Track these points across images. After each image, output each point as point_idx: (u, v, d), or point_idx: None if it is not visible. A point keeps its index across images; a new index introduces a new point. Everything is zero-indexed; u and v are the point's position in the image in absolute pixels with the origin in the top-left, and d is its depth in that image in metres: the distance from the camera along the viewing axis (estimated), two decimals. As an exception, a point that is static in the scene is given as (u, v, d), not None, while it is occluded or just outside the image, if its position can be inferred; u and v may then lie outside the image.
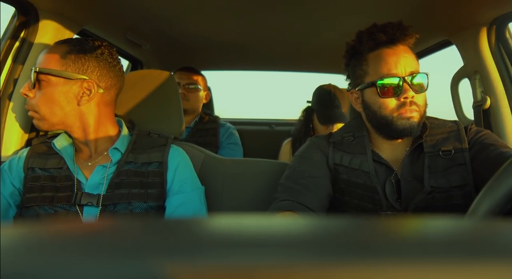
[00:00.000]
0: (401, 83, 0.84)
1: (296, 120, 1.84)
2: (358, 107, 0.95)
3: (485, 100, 1.30)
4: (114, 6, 1.27)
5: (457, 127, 0.91)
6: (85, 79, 0.87)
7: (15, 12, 1.15)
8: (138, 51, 1.87)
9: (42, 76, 0.85)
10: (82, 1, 1.18)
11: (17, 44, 1.15)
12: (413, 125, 0.85)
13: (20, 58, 1.15)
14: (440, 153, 0.88)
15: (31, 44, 1.16)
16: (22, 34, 1.16)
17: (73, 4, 1.18)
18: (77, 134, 0.90)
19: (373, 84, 0.86)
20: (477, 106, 1.35)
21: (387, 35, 0.86)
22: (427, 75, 0.88)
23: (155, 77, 1.13)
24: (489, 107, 1.30)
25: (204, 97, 1.81)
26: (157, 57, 2.05)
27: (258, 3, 1.24)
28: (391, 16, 0.96)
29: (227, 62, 2.19)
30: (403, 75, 0.85)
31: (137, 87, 1.09)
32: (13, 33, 1.15)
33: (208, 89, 1.91)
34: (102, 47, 0.91)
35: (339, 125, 1.61)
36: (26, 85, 0.87)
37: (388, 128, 0.87)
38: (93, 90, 0.88)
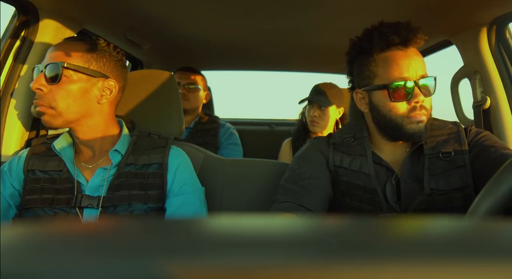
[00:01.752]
0: (413, 87, 0.83)
1: (296, 120, 1.86)
2: (364, 108, 0.93)
3: (485, 100, 1.30)
4: (114, 6, 1.27)
5: (457, 129, 0.91)
6: (107, 77, 0.89)
7: (15, 11, 1.15)
8: (138, 51, 1.87)
9: (64, 71, 0.84)
10: (82, 1, 1.18)
11: (17, 43, 1.15)
12: (422, 129, 0.85)
13: (21, 58, 1.15)
14: (440, 155, 0.87)
15: (31, 44, 1.16)
16: (22, 34, 1.16)
17: (73, 4, 1.18)
18: (85, 134, 0.89)
19: (384, 87, 0.84)
20: (477, 106, 1.35)
21: (400, 36, 0.84)
22: (435, 78, 0.87)
23: (155, 77, 1.13)
24: (489, 107, 1.30)
25: (204, 97, 1.82)
26: (157, 57, 2.05)
27: (258, 4, 1.24)
28: (391, 16, 0.96)
29: (227, 62, 2.19)
30: (415, 79, 0.83)
31: (137, 87, 1.09)
32: (13, 33, 1.15)
33: (208, 89, 1.91)
34: (118, 49, 0.93)
35: (321, 113, 1.65)
36: (38, 79, 0.84)
37: (398, 131, 0.86)
38: (113, 90, 0.90)
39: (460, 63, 1.41)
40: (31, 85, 0.85)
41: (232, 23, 1.47)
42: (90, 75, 0.86)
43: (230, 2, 1.24)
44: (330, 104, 1.64)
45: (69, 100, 0.84)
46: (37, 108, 0.86)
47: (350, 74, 0.97)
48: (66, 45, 0.89)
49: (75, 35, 1.30)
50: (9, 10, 1.16)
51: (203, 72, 1.86)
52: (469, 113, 1.41)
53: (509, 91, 1.27)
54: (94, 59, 0.87)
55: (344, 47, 0.97)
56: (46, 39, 1.17)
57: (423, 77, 0.84)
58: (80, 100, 0.86)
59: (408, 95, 0.83)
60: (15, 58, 1.14)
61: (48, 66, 0.84)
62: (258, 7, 1.28)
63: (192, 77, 1.77)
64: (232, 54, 1.98)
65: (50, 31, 1.18)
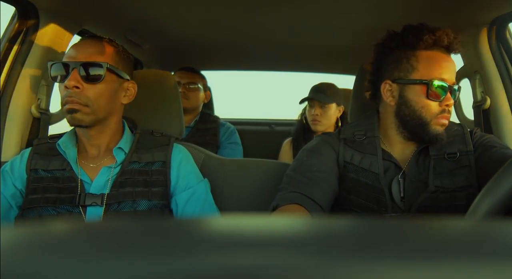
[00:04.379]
0: (447, 90, 0.86)
1: (296, 120, 1.86)
2: (390, 100, 0.92)
3: (485, 100, 1.30)
4: (113, 6, 1.27)
5: (462, 131, 0.92)
6: (130, 79, 0.94)
7: (15, 12, 1.15)
8: (138, 51, 1.87)
9: (100, 71, 0.86)
10: (82, 1, 1.18)
11: (17, 44, 1.15)
12: (443, 132, 0.87)
13: (20, 58, 1.15)
14: (446, 155, 0.89)
15: (31, 44, 1.16)
16: (22, 34, 1.16)
17: (73, 4, 1.18)
18: (103, 133, 0.91)
19: (424, 83, 0.86)
20: (477, 106, 1.35)
21: (449, 40, 0.87)
22: (460, 88, 0.92)
23: (155, 77, 1.14)
24: (489, 107, 1.30)
25: (205, 97, 1.82)
26: (157, 57, 2.05)
27: (258, 3, 1.24)
28: (391, 16, 0.96)
29: (227, 62, 2.19)
30: (451, 83, 0.87)
31: (137, 87, 1.09)
32: (13, 33, 1.15)
33: (208, 90, 1.91)
34: (128, 52, 0.96)
35: (322, 111, 1.65)
36: (75, 77, 0.83)
37: (422, 129, 0.87)
38: (133, 91, 0.95)
39: (460, 63, 1.41)
40: (67, 82, 0.83)
41: (232, 23, 1.47)
42: (119, 76, 0.90)
43: (230, 2, 1.24)
44: (331, 101, 1.64)
45: (102, 99, 0.87)
46: (69, 105, 0.84)
47: (377, 65, 0.97)
48: (95, 44, 0.89)
49: (75, 36, 1.30)
50: (9, 10, 1.16)
51: (203, 72, 1.86)
52: (469, 113, 1.41)
53: (509, 91, 1.27)
54: (121, 60, 0.92)
55: (346, 47, 0.97)
56: (46, 39, 1.17)
57: (454, 83, 0.88)
58: (110, 100, 0.89)
59: (441, 96, 0.86)
60: (15, 58, 1.14)
61: (87, 64, 0.84)
62: (258, 7, 1.28)
63: (193, 76, 1.77)
64: (232, 54, 1.98)
65: (50, 31, 1.18)
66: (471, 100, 1.38)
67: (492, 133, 1.28)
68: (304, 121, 1.76)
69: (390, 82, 0.92)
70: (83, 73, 0.84)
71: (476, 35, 1.29)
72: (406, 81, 0.89)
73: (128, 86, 0.94)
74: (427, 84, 0.85)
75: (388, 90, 0.92)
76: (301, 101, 1.74)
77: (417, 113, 0.87)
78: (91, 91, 0.85)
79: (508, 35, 1.28)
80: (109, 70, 0.87)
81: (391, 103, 0.92)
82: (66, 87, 0.83)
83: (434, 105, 0.86)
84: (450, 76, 0.87)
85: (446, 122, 0.87)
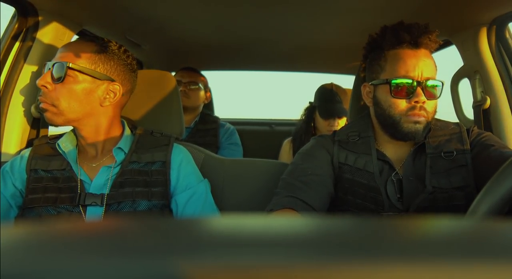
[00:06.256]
0: (415, 86, 0.84)
1: (296, 120, 1.85)
2: (368, 102, 0.95)
3: (485, 100, 1.30)
4: (113, 6, 1.27)
5: (459, 129, 0.92)
6: (113, 81, 0.90)
7: (15, 12, 1.15)
8: (138, 51, 1.87)
9: (70, 71, 0.85)
10: (82, 1, 1.18)
11: (17, 44, 1.15)
12: (418, 130, 0.86)
13: (20, 58, 1.15)
14: (442, 154, 0.88)
15: (31, 44, 1.16)
16: (22, 34, 1.16)
17: (73, 4, 1.18)
18: (88, 133, 0.90)
19: (387, 82, 0.86)
20: (477, 106, 1.35)
21: (412, 36, 0.86)
22: (442, 83, 0.89)
23: (155, 77, 1.14)
24: (489, 107, 1.30)
25: (205, 97, 1.82)
26: (157, 57, 2.05)
27: (258, 3, 1.24)
28: (391, 16, 0.96)
29: (227, 62, 2.19)
30: (419, 79, 0.85)
31: (137, 87, 1.09)
32: (13, 33, 1.15)
33: (209, 90, 1.92)
34: (128, 52, 0.94)
35: (340, 121, 1.63)
36: (45, 77, 0.85)
37: (394, 128, 0.87)
38: (118, 93, 0.90)
39: (460, 63, 1.41)
40: (37, 81, 0.85)
41: (232, 23, 1.47)
42: (95, 77, 0.87)
43: (230, 2, 1.24)
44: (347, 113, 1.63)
45: (72, 99, 0.85)
46: (40, 105, 0.87)
47: (364, 68, 0.99)
48: (76, 45, 0.90)
49: (75, 36, 1.30)
50: (9, 11, 1.16)
51: (203, 73, 1.86)
52: (469, 113, 1.41)
53: (509, 91, 1.27)
54: (102, 61, 0.88)
55: (345, 47, 0.98)
56: (46, 40, 1.17)
57: (428, 79, 0.85)
58: (83, 101, 0.86)
59: (409, 93, 0.85)
60: (15, 59, 1.14)
61: (55, 65, 0.85)
62: (258, 8, 1.28)
63: (194, 76, 1.78)
64: (233, 54, 1.98)
65: (50, 31, 1.18)
66: (471, 100, 1.39)
67: (492, 133, 1.28)
68: (313, 125, 1.74)
69: (368, 85, 0.94)
70: (53, 73, 0.85)
71: (476, 35, 1.29)
72: (376, 82, 0.90)
73: (111, 88, 0.90)
74: (389, 83, 0.86)
75: (368, 93, 0.95)
76: (326, 116, 1.64)
77: (386, 112, 0.88)
78: (59, 91, 0.85)
79: (508, 35, 1.28)
80: (76, 70, 0.85)
81: (369, 104, 0.95)
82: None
83: (401, 103, 0.86)
84: (419, 72, 0.85)
85: (420, 119, 0.85)
